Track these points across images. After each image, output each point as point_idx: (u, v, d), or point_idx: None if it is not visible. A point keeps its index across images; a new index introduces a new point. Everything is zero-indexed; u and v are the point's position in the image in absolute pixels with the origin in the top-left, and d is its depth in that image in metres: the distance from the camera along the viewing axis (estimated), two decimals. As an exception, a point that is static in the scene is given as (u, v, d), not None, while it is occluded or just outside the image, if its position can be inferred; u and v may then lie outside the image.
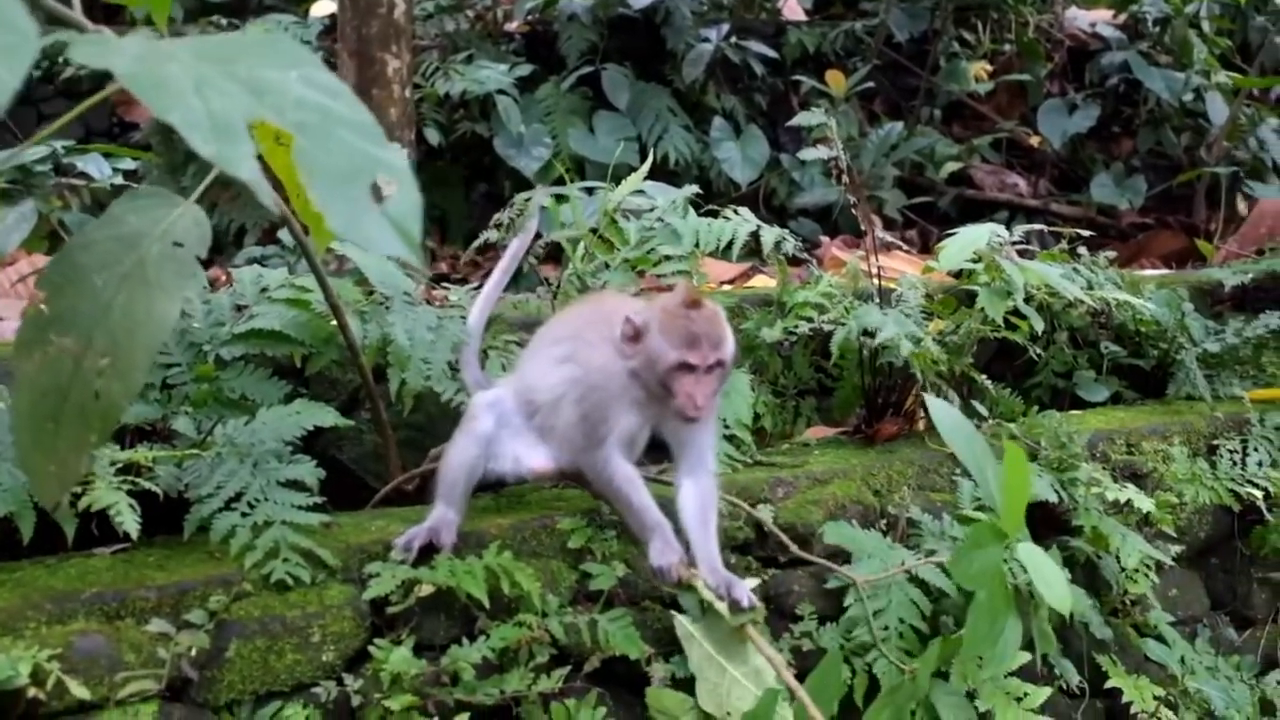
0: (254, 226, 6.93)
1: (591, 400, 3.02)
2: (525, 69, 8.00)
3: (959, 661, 3.28)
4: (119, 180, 6.23)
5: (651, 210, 4.32)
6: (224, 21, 8.26)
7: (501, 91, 7.65)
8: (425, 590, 2.83)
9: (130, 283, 2.34)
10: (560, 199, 4.39)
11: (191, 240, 2.44)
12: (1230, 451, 4.46)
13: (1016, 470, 2.87)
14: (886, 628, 3.31)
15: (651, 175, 4.50)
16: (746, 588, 3.03)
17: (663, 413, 3.03)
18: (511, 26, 9.08)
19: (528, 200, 4.18)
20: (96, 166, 6.25)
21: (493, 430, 3.13)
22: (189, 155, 7.09)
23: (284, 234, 6.38)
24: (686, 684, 3.05)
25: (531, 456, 3.15)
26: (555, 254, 4.53)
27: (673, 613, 3.10)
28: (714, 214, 4.34)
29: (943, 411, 3.05)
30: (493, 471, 3.15)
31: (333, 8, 7.63)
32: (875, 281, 4.23)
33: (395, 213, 1.74)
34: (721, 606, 2.98)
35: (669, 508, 3.08)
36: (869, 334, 3.96)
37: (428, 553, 2.94)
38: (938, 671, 3.26)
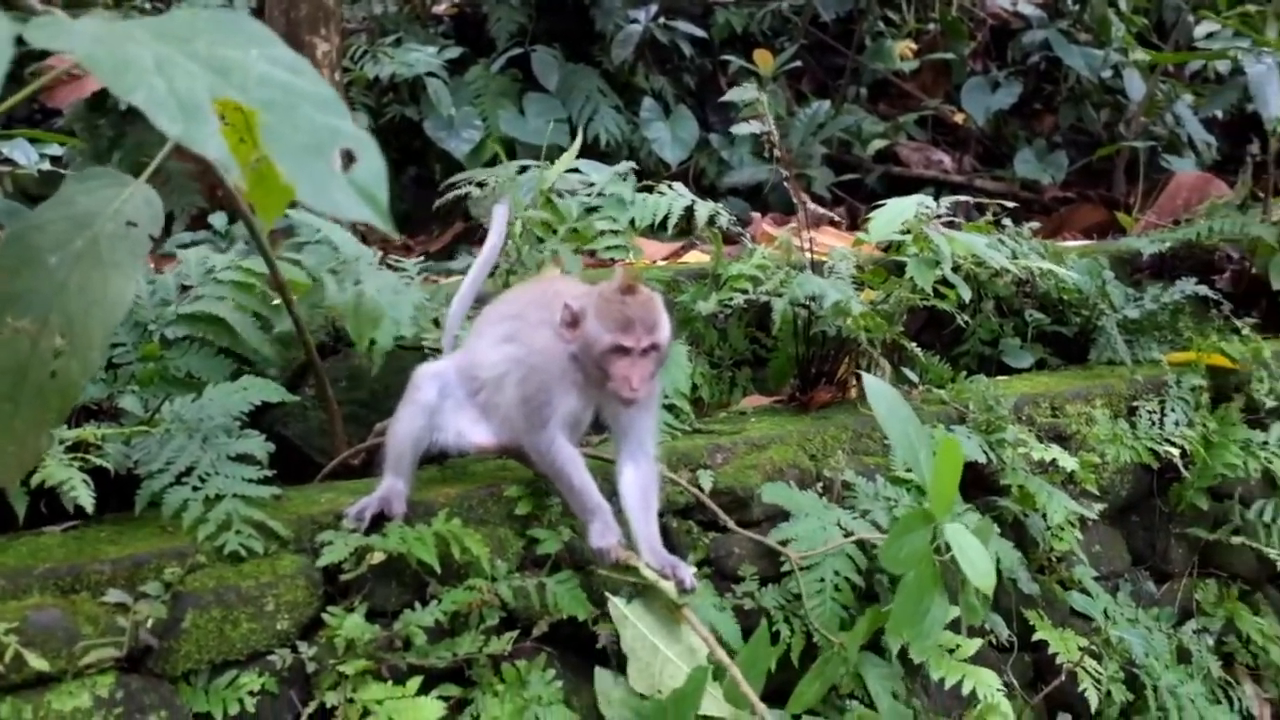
0: (182, 213, 6.89)
1: (534, 382, 3.09)
2: (454, 51, 8.04)
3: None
4: (45, 166, 6.18)
5: (590, 186, 4.41)
6: (147, 5, 8.18)
7: (431, 74, 7.68)
8: (377, 558, 2.89)
9: (85, 262, 2.37)
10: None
11: (144, 219, 2.48)
12: (1149, 412, 4.62)
13: (949, 459, 2.98)
14: (823, 580, 3.41)
15: (583, 156, 4.58)
16: (690, 570, 3.11)
17: (603, 396, 3.10)
18: (439, 9, 9.11)
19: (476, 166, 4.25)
20: (23, 152, 6.18)
21: (436, 401, 3.20)
22: (114, 141, 7.05)
23: (215, 219, 6.39)
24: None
25: (474, 432, 3.23)
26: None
27: (606, 594, 3.16)
28: (649, 190, 4.43)
29: (878, 391, 3.13)
30: (436, 443, 3.22)
31: (260, -9, 7.60)
32: (808, 253, 4.33)
33: (361, 180, 1.80)
34: (667, 586, 3.06)
35: (610, 489, 3.16)
36: (803, 304, 4.07)
37: (379, 522, 3.00)
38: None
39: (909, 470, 3.77)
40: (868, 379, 3.15)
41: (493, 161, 6.63)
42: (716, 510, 3.49)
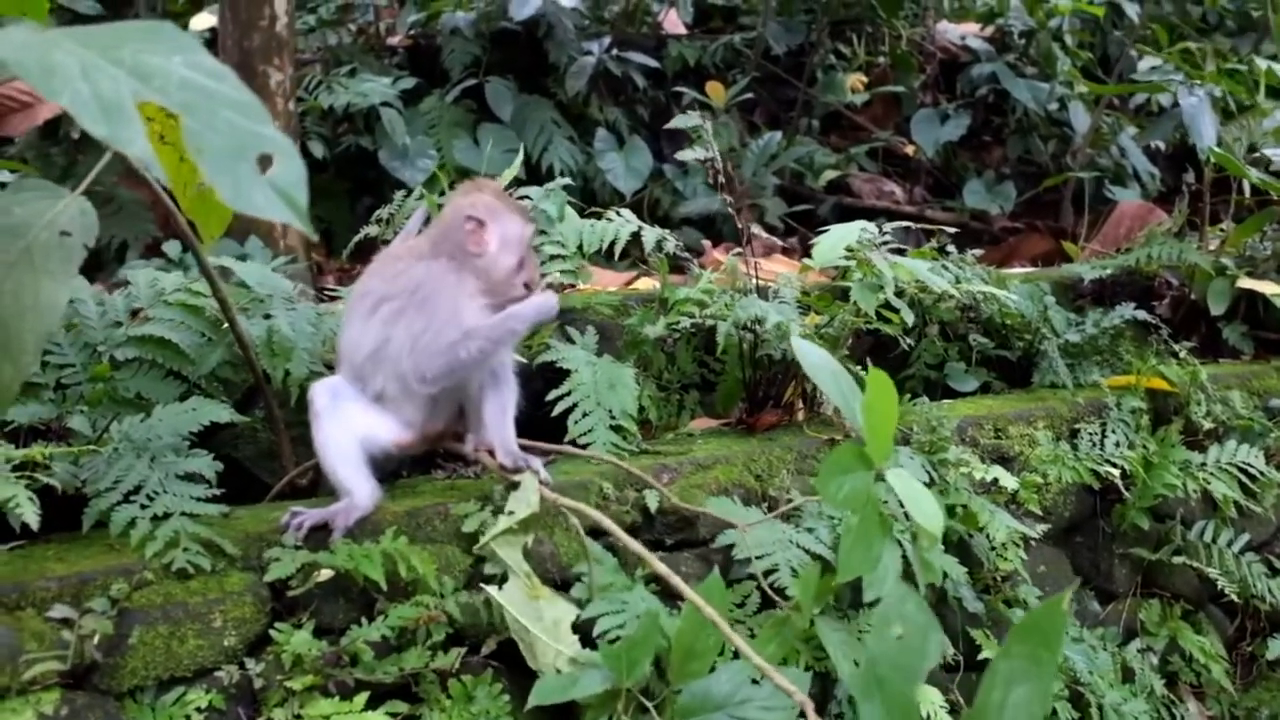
0: (135, 241, 6.88)
1: (429, 309, 3.19)
2: (409, 82, 8.07)
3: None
4: (-1, 194, 6.16)
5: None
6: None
7: (386, 104, 7.71)
8: (324, 575, 2.92)
9: (18, 270, 2.42)
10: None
11: (78, 229, 2.53)
12: (1091, 434, 4.70)
13: (881, 395, 2.88)
14: (776, 566, 3.46)
15: (537, 186, 4.65)
16: (540, 462, 3.34)
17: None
18: (394, 40, 9.15)
19: (408, 196, 4.30)
20: (-23, 180, 6.17)
21: (333, 403, 3.23)
22: (66, 170, 7.04)
23: (169, 247, 6.38)
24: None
25: (387, 431, 3.29)
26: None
27: (482, 585, 3.15)
28: (597, 216, 4.50)
29: (807, 349, 3.07)
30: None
31: (213, 21, 7.63)
32: (753, 277, 4.39)
33: (282, 182, 1.85)
34: (525, 479, 3.26)
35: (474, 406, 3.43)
36: (748, 328, 4.13)
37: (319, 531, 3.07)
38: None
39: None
40: (795, 339, 3.07)
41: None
42: (670, 498, 3.55)
